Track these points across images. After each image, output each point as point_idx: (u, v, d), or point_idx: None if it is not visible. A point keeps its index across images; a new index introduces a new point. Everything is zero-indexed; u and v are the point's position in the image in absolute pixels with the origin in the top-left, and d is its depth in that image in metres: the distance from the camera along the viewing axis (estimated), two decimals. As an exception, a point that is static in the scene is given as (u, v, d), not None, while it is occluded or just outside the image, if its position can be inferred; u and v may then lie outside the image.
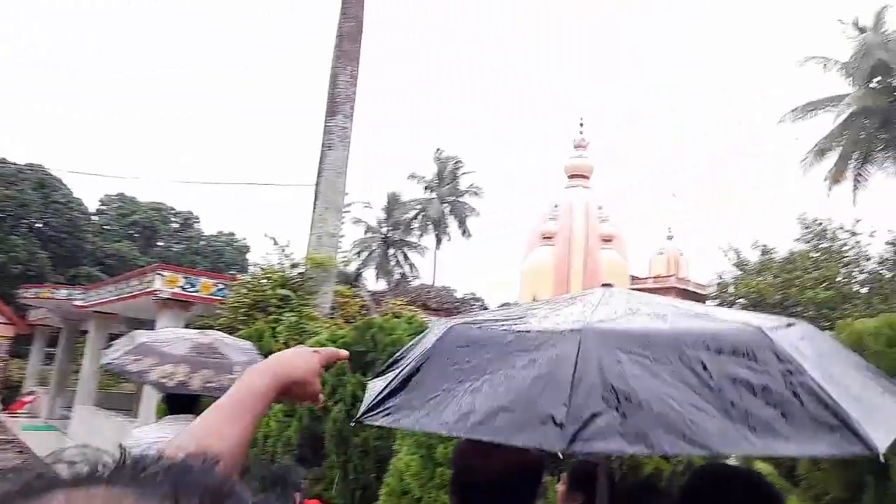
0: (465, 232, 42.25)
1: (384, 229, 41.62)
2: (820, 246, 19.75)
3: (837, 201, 23.89)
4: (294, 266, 12.04)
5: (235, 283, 12.12)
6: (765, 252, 20.37)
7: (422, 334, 1.68)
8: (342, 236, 13.99)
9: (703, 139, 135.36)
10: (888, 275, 18.90)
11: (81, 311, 18.06)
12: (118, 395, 20.99)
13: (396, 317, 6.68)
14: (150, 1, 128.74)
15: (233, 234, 47.63)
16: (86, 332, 19.97)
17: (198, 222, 47.18)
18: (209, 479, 0.41)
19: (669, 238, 45.33)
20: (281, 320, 10.14)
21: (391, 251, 41.54)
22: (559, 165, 40.70)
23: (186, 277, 13.02)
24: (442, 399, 1.13)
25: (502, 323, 1.30)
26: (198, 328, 5.22)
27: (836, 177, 23.25)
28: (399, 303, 13.88)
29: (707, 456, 1.05)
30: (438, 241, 41.99)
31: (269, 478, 3.26)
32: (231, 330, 9.23)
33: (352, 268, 30.39)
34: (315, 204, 12.83)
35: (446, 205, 42.16)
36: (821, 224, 20.26)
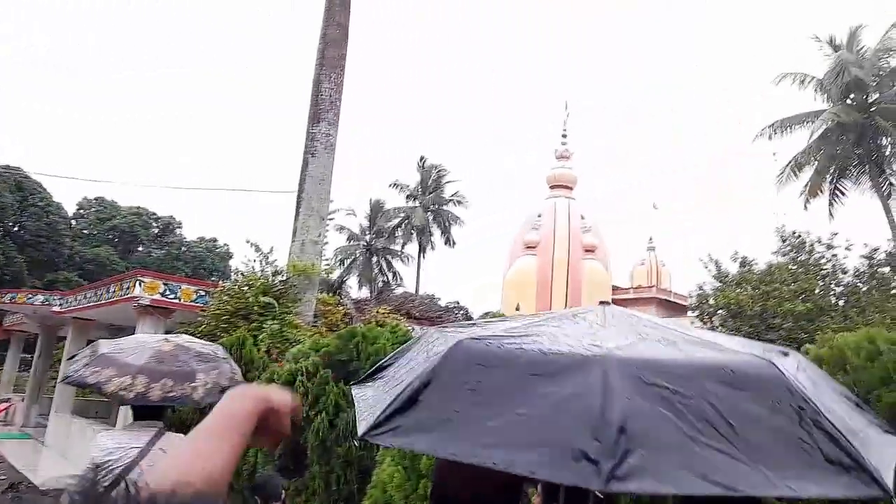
0: (448, 241, 42.25)
1: (367, 237, 41.51)
2: (798, 259, 20.05)
3: (821, 213, 24.27)
4: (277, 273, 11.97)
5: (217, 290, 12.01)
6: (744, 264, 20.62)
7: (409, 342, 1.65)
8: (326, 244, 13.94)
9: (703, 139, 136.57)
10: (864, 287, 19.22)
11: (59, 316, 17.79)
12: (96, 402, 20.65)
13: (380, 325, 6.66)
14: (151, 1, 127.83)
15: (215, 240, 47.22)
16: (64, 338, 19.65)
17: (180, 227, 46.75)
18: None
19: (651, 249, 45.71)
20: (263, 328, 10.07)
21: (374, 259, 41.42)
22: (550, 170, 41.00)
23: (167, 284, 12.86)
24: (456, 422, 1.09)
25: (510, 341, 1.23)
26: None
27: (812, 191, 23.68)
28: (383, 311, 13.84)
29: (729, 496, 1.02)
30: (422, 250, 41.95)
31: (249, 488, 3.24)
32: (212, 337, 9.14)
33: (335, 275, 30.26)
34: (298, 211, 12.77)
35: (430, 213, 42.17)
36: (799, 237, 20.58)
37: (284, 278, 11.84)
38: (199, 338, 5.14)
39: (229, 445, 0.87)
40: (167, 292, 12.68)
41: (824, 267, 19.56)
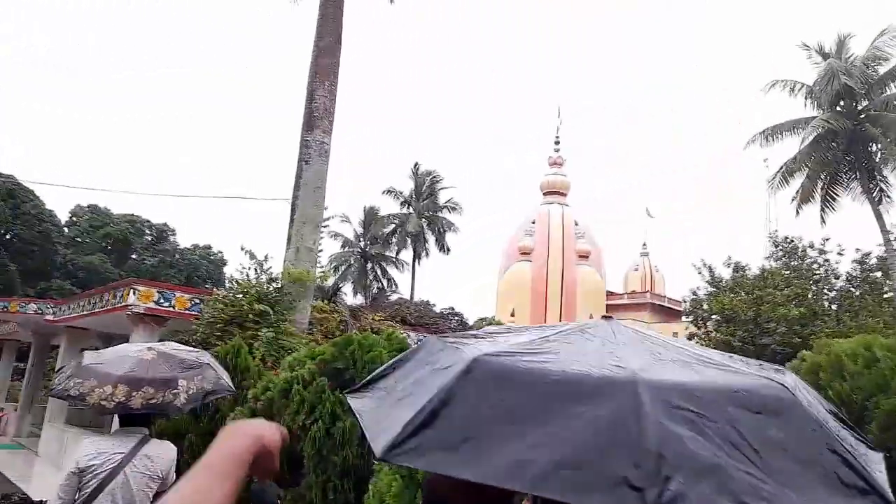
0: (443, 247, 42.26)
1: (362, 244, 41.47)
2: (791, 264, 20.17)
3: (812, 219, 24.40)
4: (271, 281, 11.93)
5: (211, 297, 11.97)
6: (737, 269, 20.71)
7: (407, 352, 1.63)
8: (320, 251, 13.92)
9: (703, 139, 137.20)
10: (857, 292, 19.34)
11: (53, 325, 17.69)
12: (90, 412, 20.49)
13: (375, 333, 6.65)
14: (151, 1, 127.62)
15: (209, 247, 47.08)
16: (57, 346, 19.53)
17: (173, 234, 46.56)
18: None
19: (644, 254, 45.87)
20: (258, 336, 10.04)
21: (369, 265, 41.37)
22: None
23: (161, 292, 12.82)
24: (480, 441, 1.06)
25: (528, 358, 1.20)
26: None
27: (804, 197, 23.87)
28: (378, 318, 13.83)
29: None
30: (417, 256, 41.94)
31: (245, 498, 3.23)
32: (207, 346, 9.10)
33: (330, 282, 30.22)
34: (293, 218, 12.76)
35: (424, 220, 42.18)
36: (791, 242, 20.71)
37: (279, 286, 11.81)
38: (191, 346, 5.15)
39: (228, 482, 0.91)
40: (161, 300, 12.64)
41: (817, 272, 19.68)
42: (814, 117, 23.65)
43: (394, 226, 42.40)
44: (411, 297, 36.65)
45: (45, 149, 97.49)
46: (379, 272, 41.72)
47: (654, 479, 0.94)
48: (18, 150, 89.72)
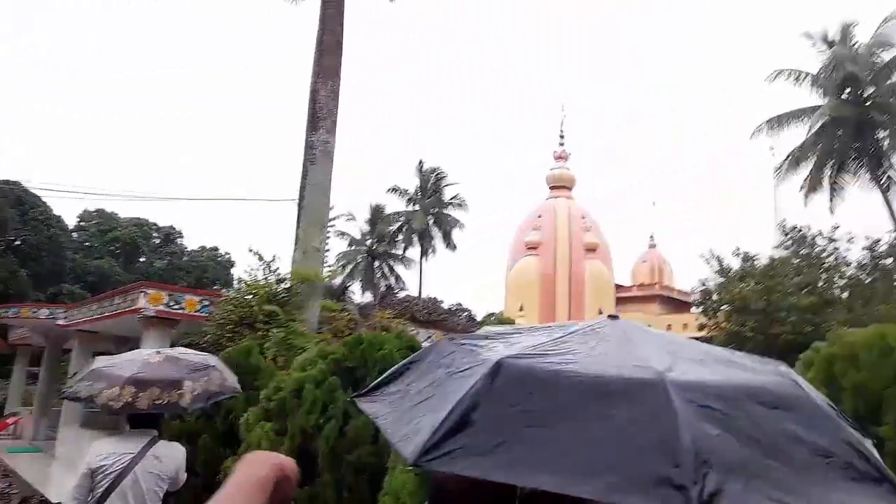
0: (449, 244, 42.24)
1: (369, 242, 41.51)
2: (800, 252, 20.06)
3: (821, 208, 24.37)
4: (280, 281, 11.97)
5: (221, 299, 12.02)
6: (746, 259, 20.61)
7: (418, 353, 1.62)
8: (327, 250, 13.97)
9: (703, 139, 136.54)
10: (868, 279, 19.22)
11: (65, 329, 17.80)
12: (105, 414, 20.60)
13: (385, 330, 6.66)
14: (151, 1, 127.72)
15: (216, 249, 47.21)
16: (70, 350, 19.66)
17: (181, 237, 46.75)
18: None
19: (652, 246, 45.69)
20: (269, 336, 10.07)
21: (376, 263, 41.42)
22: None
23: (171, 295, 12.88)
24: (511, 445, 1.06)
25: (549, 359, 1.20)
26: (184, 347, 5.22)
27: (812, 186, 23.72)
28: (386, 315, 13.84)
29: None
30: (424, 253, 41.96)
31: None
32: (218, 347, 9.15)
33: (338, 281, 30.26)
34: (299, 219, 12.79)
35: (430, 216, 42.18)
36: (800, 231, 20.60)
37: (288, 286, 11.85)
38: (204, 348, 5.22)
39: None
40: (171, 303, 12.70)
41: (826, 260, 19.57)
42: (819, 106, 23.50)
43: (400, 223, 42.41)
44: (419, 294, 36.68)
45: (45, 149, 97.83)
46: (386, 270, 41.77)
47: (696, 477, 0.95)
48: (18, 150, 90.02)
